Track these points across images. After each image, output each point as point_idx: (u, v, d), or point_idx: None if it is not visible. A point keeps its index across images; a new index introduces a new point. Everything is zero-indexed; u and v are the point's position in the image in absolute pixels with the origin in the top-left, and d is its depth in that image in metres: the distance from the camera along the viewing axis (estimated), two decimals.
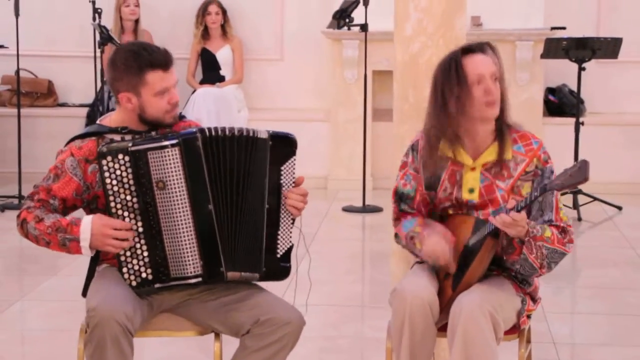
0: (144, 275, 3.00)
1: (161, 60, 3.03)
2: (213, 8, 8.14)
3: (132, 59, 3.02)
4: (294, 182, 3.08)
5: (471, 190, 3.11)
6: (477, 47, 3.10)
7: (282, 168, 3.06)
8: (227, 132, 3.01)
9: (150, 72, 3.01)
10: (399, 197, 3.23)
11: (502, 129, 3.11)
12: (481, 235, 3.03)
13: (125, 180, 2.95)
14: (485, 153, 3.11)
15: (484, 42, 3.14)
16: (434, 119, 3.12)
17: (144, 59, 3.01)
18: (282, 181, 3.06)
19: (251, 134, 3.01)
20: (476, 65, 3.06)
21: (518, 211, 2.95)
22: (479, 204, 3.10)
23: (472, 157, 3.12)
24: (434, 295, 3.04)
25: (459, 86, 3.05)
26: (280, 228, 3.07)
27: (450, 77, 3.07)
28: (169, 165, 2.95)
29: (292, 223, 3.11)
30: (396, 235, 3.26)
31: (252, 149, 3.01)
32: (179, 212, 2.97)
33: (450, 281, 3.09)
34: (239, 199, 3.02)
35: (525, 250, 2.99)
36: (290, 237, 3.10)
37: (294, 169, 3.08)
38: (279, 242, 3.07)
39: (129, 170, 2.94)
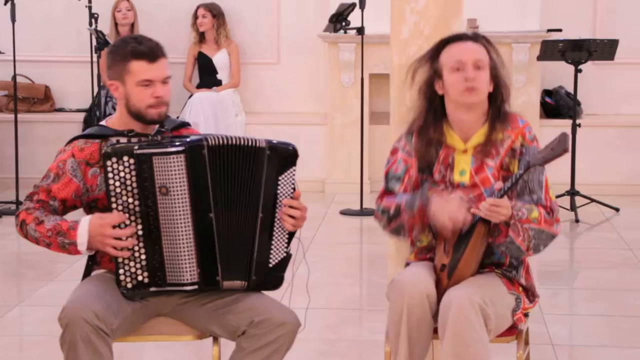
0: (140, 278, 2.99)
1: (147, 51, 3.04)
2: (200, 12, 8.16)
3: (120, 46, 3.06)
4: (292, 194, 3.06)
5: (462, 173, 3.13)
6: (464, 36, 3.16)
7: (280, 178, 3.03)
8: (231, 141, 2.99)
9: (134, 60, 3.03)
10: (388, 177, 3.22)
11: (494, 115, 3.15)
12: (472, 221, 3.03)
13: (128, 182, 2.94)
14: (475, 136, 3.14)
15: (476, 33, 3.19)
16: (420, 108, 3.18)
17: (130, 47, 3.04)
18: (278, 191, 3.04)
19: (250, 143, 3.00)
20: (457, 51, 3.12)
21: (502, 195, 2.97)
22: (470, 185, 3.12)
23: (463, 140, 3.15)
24: (432, 286, 3.04)
25: (439, 73, 3.13)
26: (273, 238, 3.05)
27: (430, 64, 3.15)
28: (173, 171, 2.95)
29: (291, 234, 3.08)
30: (383, 211, 3.16)
31: (251, 158, 3.00)
32: (180, 219, 2.97)
33: (446, 271, 3.08)
34: (235, 207, 3.01)
35: (512, 234, 3.00)
36: (286, 247, 3.08)
37: (292, 179, 3.05)
38: (272, 251, 3.05)
39: (133, 173, 2.94)
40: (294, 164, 3.04)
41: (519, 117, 3.19)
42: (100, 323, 2.85)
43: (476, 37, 3.17)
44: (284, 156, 3.03)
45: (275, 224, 3.05)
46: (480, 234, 3.03)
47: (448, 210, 3.01)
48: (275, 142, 3.05)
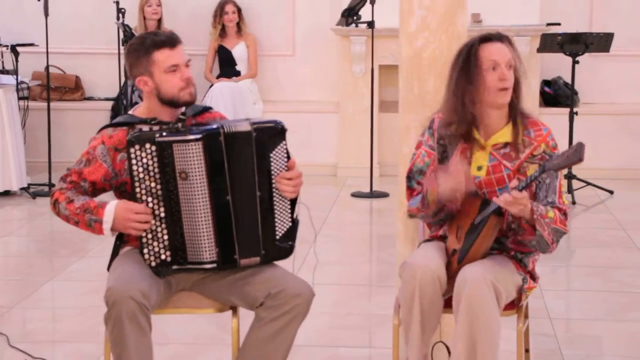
0: (163, 256, 3.01)
1: (165, 39, 3.07)
2: (230, 7, 8.15)
3: (139, 43, 3.09)
4: (286, 167, 3.05)
5: (479, 168, 3.11)
6: (495, 36, 3.11)
7: (272, 155, 3.02)
8: (239, 128, 2.98)
9: (156, 51, 3.05)
10: (412, 175, 3.21)
11: (516, 114, 3.12)
12: (485, 213, 3.03)
13: (150, 168, 2.95)
14: (497, 135, 3.11)
15: (501, 33, 3.13)
16: (449, 103, 3.12)
17: (149, 40, 3.07)
18: (272, 167, 3.03)
19: (232, 129, 2.98)
20: (492, 52, 3.06)
21: (520, 190, 2.94)
22: (485, 182, 3.10)
23: (484, 138, 3.12)
24: (442, 268, 3.05)
25: (473, 72, 3.05)
26: (275, 211, 3.04)
27: (465, 62, 3.07)
28: (191, 157, 2.95)
29: (292, 204, 3.07)
30: (410, 215, 3.24)
31: (243, 141, 2.98)
32: (199, 201, 2.97)
33: (457, 256, 3.09)
34: (244, 189, 3.01)
35: (539, 228, 2.99)
36: (290, 217, 3.06)
37: (284, 154, 3.03)
38: (276, 224, 3.05)
39: (155, 159, 2.95)
40: (283, 139, 3.02)
41: (542, 124, 3.15)
42: (144, 301, 2.87)
43: (501, 38, 3.11)
44: (271, 134, 3.01)
45: (274, 198, 3.04)
46: (492, 225, 3.03)
47: (451, 183, 3.00)
48: (259, 122, 3.01)
